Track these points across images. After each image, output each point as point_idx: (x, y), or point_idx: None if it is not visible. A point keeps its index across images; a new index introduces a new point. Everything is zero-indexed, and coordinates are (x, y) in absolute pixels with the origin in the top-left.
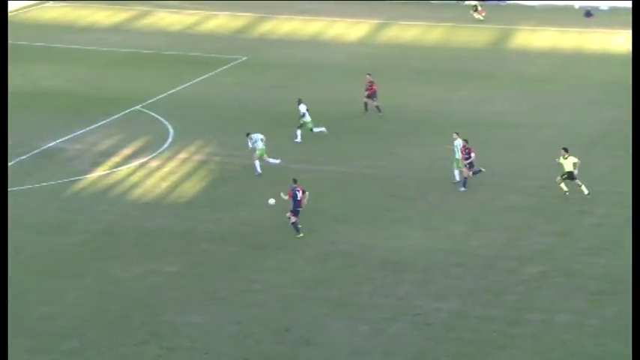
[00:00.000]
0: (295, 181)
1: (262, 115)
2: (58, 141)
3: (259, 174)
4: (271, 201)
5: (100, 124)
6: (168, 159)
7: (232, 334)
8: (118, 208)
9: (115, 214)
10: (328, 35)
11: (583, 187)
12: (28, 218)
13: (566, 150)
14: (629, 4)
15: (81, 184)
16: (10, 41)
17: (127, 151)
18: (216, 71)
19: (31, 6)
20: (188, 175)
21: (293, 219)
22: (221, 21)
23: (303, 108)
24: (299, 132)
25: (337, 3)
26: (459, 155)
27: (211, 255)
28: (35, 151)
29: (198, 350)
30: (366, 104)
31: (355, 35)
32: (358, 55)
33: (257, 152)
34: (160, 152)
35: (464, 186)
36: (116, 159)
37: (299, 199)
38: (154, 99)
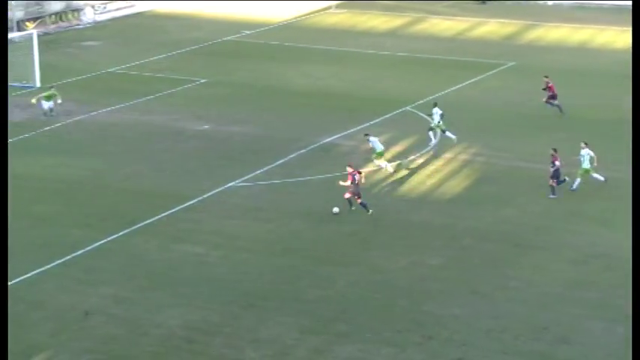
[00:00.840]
0: (351, 166)
1: (526, 118)
2: (333, 137)
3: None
4: (335, 210)
5: (372, 122)
6: (434, 157)
7: (490, 328)
8: (386, 202)
9: (382, 207)
10: (596, 42)
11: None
12: (306, 207)
13: None
14: None
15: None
16: (296, 44)
17: (396, 148)
18: (484, 75)
19: (314, 12)
20: (453, 174)
21: (348, 195)
22: (491, 28)
23: (437, 112)
24: (431, 133)
25: (605, 12)
26: (586, 164)
27: (472, 251)
28: (313, 146)
29: (457, 341)
30: (558, 106)
31: (624, 42)
32: (627, 62)
33: (374, 154)
34: (426, 151)
35: (553, 194)
36: (385, 156)
37: (357, 182)
38: (423, 100)
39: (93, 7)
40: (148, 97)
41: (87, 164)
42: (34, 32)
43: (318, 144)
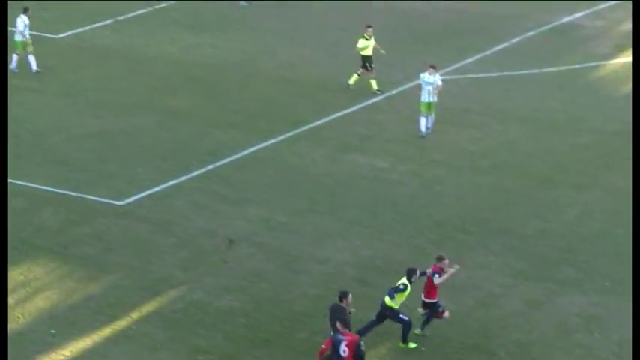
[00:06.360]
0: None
1: None
2: (575, 15)
3: None
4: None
5: None
6: None
7: None
8: None
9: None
10: None
11: None
12: (526, 109)
13: None
14: None
15: (599, 72)
16: None
17: None
18: None
19: None
20: None
21: None
22: None
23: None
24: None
25: None
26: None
27: None
28: (546, 27)
29: None
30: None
31: None
32: None
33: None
34: None
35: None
36: None
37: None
38: None
39: None
40: None
41: (237, 45)
42: None
43: (552, 24)
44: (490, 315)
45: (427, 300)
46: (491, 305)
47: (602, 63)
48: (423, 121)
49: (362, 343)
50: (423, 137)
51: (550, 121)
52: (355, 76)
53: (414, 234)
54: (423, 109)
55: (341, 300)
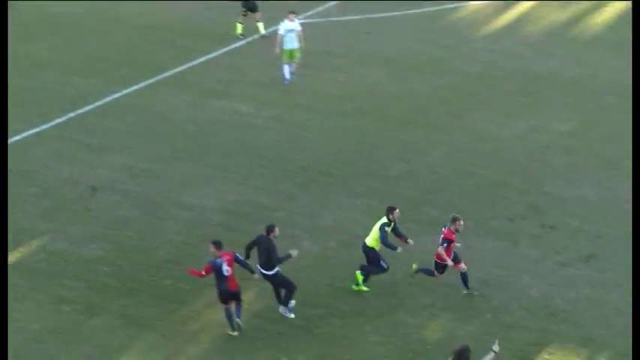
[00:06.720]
0: None
1: None
2: None
3: None
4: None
5: None
6: None
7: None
8: (503, 47)
9: (497, 53)
10: None
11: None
12: (390, 51)
13: None
14: None
15: (459, 13)
16: None
17: None
18: None
19: None
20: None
21: None
22: None
23: None
24: None
25: None
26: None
27: (615, 112)
28: None
29: (588, 233)
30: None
31: None
32: None
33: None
34: None
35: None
36: None
37: None
38: None
39: None
40: None
41: None
42: None
43: None
44: (355, 257)
45: (439, 262)
46: (356, 247)
47: (462, 4)
48: (286, 68)
49: (238, 254)
50: (287, 84)
51: (411, 63)
52: (259, 25)
53: (278, 178)
54: (285, 56)
55: (268, 233)
